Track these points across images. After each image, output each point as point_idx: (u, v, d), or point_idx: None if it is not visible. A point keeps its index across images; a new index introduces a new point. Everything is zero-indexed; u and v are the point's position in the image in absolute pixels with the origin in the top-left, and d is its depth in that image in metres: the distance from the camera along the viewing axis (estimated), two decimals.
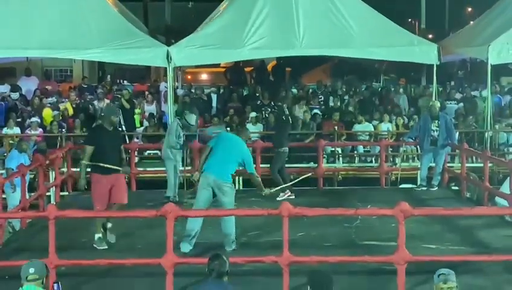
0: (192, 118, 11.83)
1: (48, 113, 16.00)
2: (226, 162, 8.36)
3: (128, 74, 22.67)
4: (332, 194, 12.69)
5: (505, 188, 10.87)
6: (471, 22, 21.82)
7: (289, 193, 11.68)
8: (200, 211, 8.18)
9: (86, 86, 18.24)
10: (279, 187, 10.10)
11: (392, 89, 18.67)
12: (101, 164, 8.58)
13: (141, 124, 16.50)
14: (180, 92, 18.28)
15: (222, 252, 6.54)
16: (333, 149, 15.37)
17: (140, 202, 11.31)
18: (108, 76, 20.15)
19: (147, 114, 16.60)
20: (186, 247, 8.30)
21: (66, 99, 16.85)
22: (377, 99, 17.96)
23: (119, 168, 8.76)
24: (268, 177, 12.74)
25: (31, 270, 5.32)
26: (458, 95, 17.77)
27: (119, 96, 15.74)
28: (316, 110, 16.64)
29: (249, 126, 15.75)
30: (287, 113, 12.55)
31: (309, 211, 7.77)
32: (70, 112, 16.31)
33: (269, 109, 16.56)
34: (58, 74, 22.89)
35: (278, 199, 11.22)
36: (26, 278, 5.31)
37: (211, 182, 8.30)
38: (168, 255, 7.24)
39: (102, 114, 9.10)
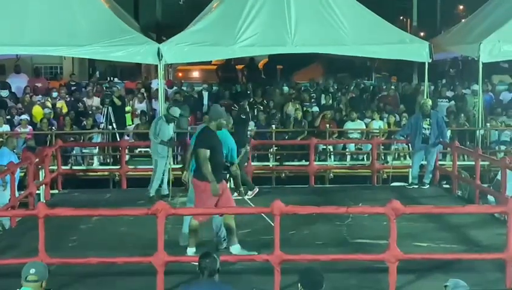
0: (176, 111, 11.83)
1: (37, 110, 15.93)
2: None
3: (119, 71, 22.59)
4: (324, 192, 12.71)
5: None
6: (463, 20, 21.92)
7: (257, 190, 11.76)
8: (191, 209, 8.16)
9: (74, 84, 18.15)
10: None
11: (384, 87, 18.69)
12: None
13: (132, 122, 16.45)
14: (170, 90, 18.24)
15: (215, 250, 6.53)
16: (325, 147, 15.39)
17: (131, 200, 11.30)
18: (97, 73, 20.08)
19: (138, 112, 16.56)
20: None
21: (59, 97, 16.77)
22: (369, 97, 17.99)
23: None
24: (259, 175, 12.80)
25: (32, 270, 5.21)
26: (450, 93, 17.79)
27: (110, 93, 15.70)
28: (314, 108, 16.66)
29: None
30: (248, 111, 12.59)
31: (301, 209, 7.78)
32: (65, 109, 16.25)
33: (261, 107, 16.56)
34: (48, 71, 22.75)
35: (246, 197, 11.21)
36: (26, 278, 5.19)
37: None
38: (159, 254, 7.24)
39: (211, 116, 8.45)
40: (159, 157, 11.64)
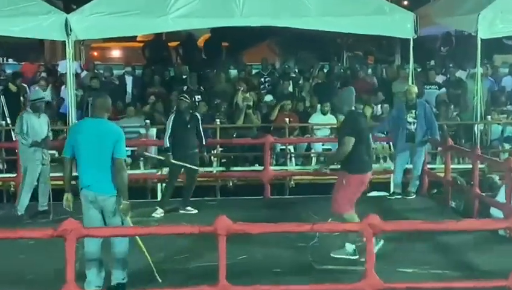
0: (37, 93, 12.02)
1: None
2: (101, 163, 8.05)
3: (15, 49, 22.20)
4: (283, 205, 12.77)
5: (501, 196, 11.11)
6: None
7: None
8: (108, 229, 8.06)
9: None
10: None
11: (359, 69, 18.87)
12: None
13: None
14: (83, 73, 18.05)
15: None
16: (284, 147, 15.45)
17: (33, 217, 11.17)
18: None
19: None
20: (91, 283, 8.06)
21: None
22: (339, 83, 18.13)
23: None
24: (200, 184, 12.78)
25: None
26: (440, 78, 18.07)
27: (4, 78, 15.48)
28: (268, 97, 16.68)
29: None
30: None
31: (253, 227, 7.78)
32: None
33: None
34: None
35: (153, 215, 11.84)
36: None
37: (92, 199, 8.02)
38: (68, 286, 7.16)
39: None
40: (31, 162, 11.49)
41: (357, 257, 9.07)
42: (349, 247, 9.24)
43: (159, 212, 11.91)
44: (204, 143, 12.26)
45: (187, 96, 12.38)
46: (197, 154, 12.22)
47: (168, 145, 11.96)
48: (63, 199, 8.04)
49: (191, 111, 12.32)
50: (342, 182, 9.29)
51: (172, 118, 12.03)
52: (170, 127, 11.98)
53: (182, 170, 12.08)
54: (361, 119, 9.63)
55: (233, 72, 18.62)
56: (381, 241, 9.08)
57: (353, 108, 9.57)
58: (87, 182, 7.79)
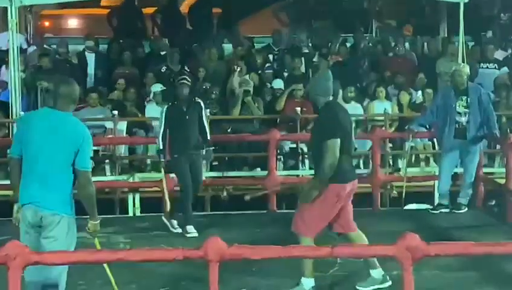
0: None
1: None
2: (53, 174, 7.97)
3: None
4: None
5: None
6: None
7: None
8: (66, 254, 8.05)
9: None
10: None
11: (392, 44, 18.85)
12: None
13: None
14: (31, 49, 18.01)
15: None
16: (294, 146, 15.44)
17: None
18: None
19: None
20: None
21: None
22: (367, 61, 18.12)
23: None
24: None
25: None
26: (500, 54, 18.07)
27: None
28: (278, 82, 16.69)
29: (151, 107, 15.66)
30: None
31: (254, 251, 7.76)
32: None
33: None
34: None
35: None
36: None
37: (32, 221, 7.97)
38: None
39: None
40: None
41: (389, 283, 9.05)
42: (376, 274, 9.22)
43: (175, 224, 11.92)
44: (208, 139, 12.15)
45: (188, 78, 12.27)
46: (201, 156, 12.14)
47: (161, 147, 11.93)
48: (10, 212, 7.96)
49: (194, 98, 12.21)
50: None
51: (166, 108, 11.94)
52: (163, 120, 11.91)
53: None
54: (342, 113, 9.25)
55: (228, 47, 18.58)
56: (388, 282, 9.05)
57: (331, 98, 9.19)
58: (31, 196, 7.66)
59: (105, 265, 8.25)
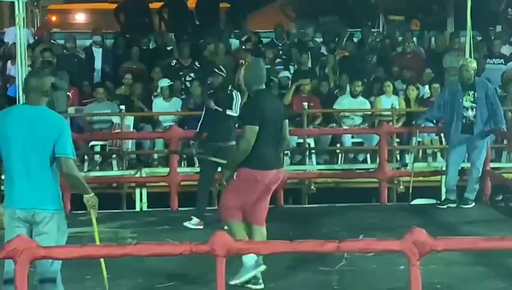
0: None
1: None
2: (36, 169, 7.91)
3: None
4: (301, 217, 12.79)
5: None
6: None
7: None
8: (73, 249, 8.05)
9: None
10: None
11: (400, 38, 18.83)
12: None
13: None
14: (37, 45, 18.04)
15: None
16: (301, 141, 15.46)
17: None
18: None
19: None
20: None
21: None
22: (374, 56, 18.11)
23: None
24: (193, 190, 12.77)
25: None
26: (507, 49, 18.03)
27: None
28: (284, 74, 16.70)
29: (159, 101, 15.68)
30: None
31: (262, 245, 7.76)
32: None
33: (193, 74, 16.54)
34: None
35: (188, 225, 11.77)
36: None
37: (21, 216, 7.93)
38: None
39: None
40: None
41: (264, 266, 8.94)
42: (249, 260, 8.95)
43: (194, 223, 11.84)
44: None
45: (222, 68, 12.27)
46: (230, 149, 11.84)
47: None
48: None
49: (230, 89, 12.14)
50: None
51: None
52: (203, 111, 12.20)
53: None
54: (269, 101, 9.25)
55: (235, 41, 18.57)
56: (262, 266, 8.93)
57: (263, 86, 9.31)
58: (17, 195, 7.53)
59: (101, 259, 8.24)
